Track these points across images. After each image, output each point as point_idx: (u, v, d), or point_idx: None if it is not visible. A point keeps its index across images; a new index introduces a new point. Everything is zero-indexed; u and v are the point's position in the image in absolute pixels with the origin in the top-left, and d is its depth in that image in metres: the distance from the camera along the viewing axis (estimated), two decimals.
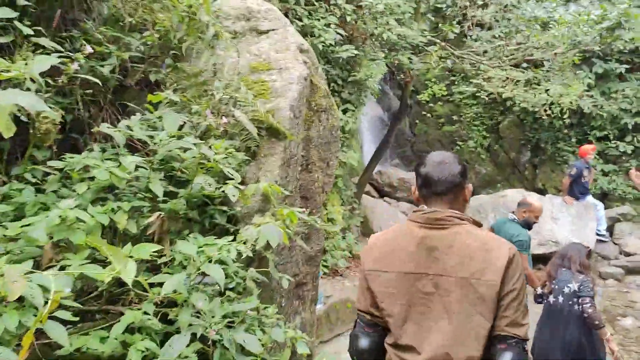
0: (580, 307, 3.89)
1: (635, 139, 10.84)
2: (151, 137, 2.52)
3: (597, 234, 9.12)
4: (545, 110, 10.80)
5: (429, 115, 13.68)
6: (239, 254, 2.39)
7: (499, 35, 11.83)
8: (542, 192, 11.32)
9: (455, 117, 13.32)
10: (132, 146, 2.78)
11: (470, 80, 12.37)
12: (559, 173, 11.86)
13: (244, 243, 2.43)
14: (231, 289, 2.49)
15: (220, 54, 3.24)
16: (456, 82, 13.46)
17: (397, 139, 14.32)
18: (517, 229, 4.58)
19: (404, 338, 1.81)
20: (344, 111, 6.28)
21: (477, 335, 1.72)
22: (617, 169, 11.12)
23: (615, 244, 9.56)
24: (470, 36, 12.69)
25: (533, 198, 4.87)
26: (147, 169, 2.51)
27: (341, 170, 6.21)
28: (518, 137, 12.56)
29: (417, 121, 13.89)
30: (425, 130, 13.77)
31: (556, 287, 4.08)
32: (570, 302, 3.94)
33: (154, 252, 2.03)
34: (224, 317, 2.28)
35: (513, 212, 4.73)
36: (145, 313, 2.10)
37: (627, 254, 9.06)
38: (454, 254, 1.76)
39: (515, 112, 12.34)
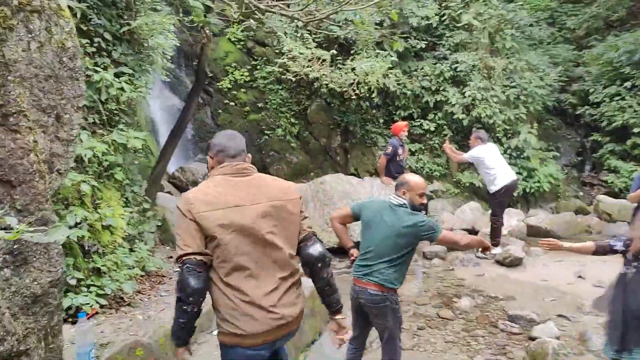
0: None
1: (436, 116, 10.77)
2: None
3: None
4: (354, 90, 10.11)
5: (232, 103, 12.21)
6: None
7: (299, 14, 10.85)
8: (355, 176, 10.67)
9: (260, 105, 12.07)
10: None
11: (275, 60, 11.22)
12: (370, 156, 11.36)
13: None
14: None
15: None
16: (258, 67, 12.24)
17: (200, 132, 12.58)
18: (412, 216, 3.44)
19: (239, 261, 2.16)
20: (117, 75, 4.45)
21: (295, 238, 2.36)
22: (423, 147, 10.97)
23: None
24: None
25: (409, 176, 3.70)
26: None
27: (120, 157, 4.36)
28: (327, 122, 11.78)
29: (219, 111, 12.32)
30: (230, 120, 12.26)
31: None
32: None
33: None
34: None
35: (397, 197, 3.56)
36: None
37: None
38: (263, 189, 2.30)
39: (322, 96, 11.52)
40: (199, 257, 2.10)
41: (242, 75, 12.22)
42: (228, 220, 2.13)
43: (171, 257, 5.26)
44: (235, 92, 12.19)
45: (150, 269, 4.49)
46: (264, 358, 2.23)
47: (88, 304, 3.62)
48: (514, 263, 7.23)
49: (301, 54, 10.23)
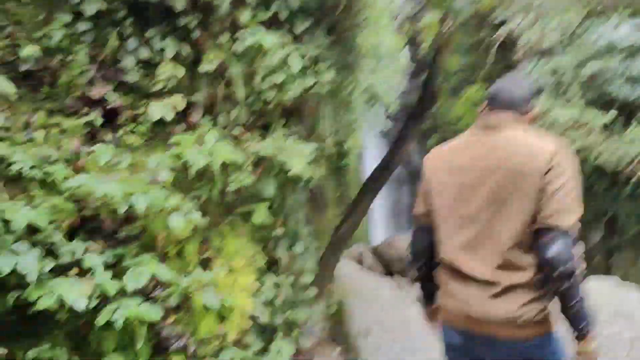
0: None
1: None
2: None
3: None
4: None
5: None
6: None
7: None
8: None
9: None
10: None
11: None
12: None
13: None
14: None
15: None
16: None
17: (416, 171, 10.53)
18: None
19: (445, 230, 1.79)
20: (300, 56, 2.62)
21: (520, 223, 1.63)
22: None
23: None
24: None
25: None
26: None
27: (269, 184, 2.45)
28: (586, 209, 8.65)
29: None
30: None
31: None
32: None
33: None
34: None
35: None
36: None
37: None
38: (501, 150, 1.69)
39: (582, 174, 8.52)
40: (422, 220, 1.91)
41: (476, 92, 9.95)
42: (447, 182, 1.79)
43: None
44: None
45: None
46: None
47: None
48: None
49: (560, 115, 7.58)
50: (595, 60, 7.79)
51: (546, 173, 1.60)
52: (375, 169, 3.67)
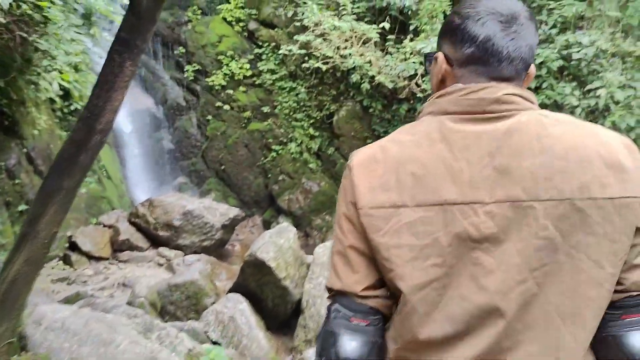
0: None
1: None
2: None
3: None
4: (419, 85, 6.39)
5: (226, 107, 8.44)
6: None
7: None
8: None
9: (266, 109, 8.30)
10: None
11: (288, 48, 7.47)
12: None
13: None
14: None
15: None
16: (264, 57, 8.47)
17: (181, 146, 8.75)
18: None
19: (434, 327, 0.81)
20: None
21: (595, 307, 0.79)
22: None
23: None
24: None
25: None
26: None
27: None
28: (362, 135, 7.95)
29: (209, 117, 8.53)
30: (223, 131, 8.47)
31: None
32: None
33: None
34: None
35: None
36: None
37: None
38: (533, 157, 0.79)
39: (356, 97, 7.76)
40: (357, 299, 0.88)
41: (241, 68, 8.45)
42: (424, 237, 0.80)
43: None
44: (231, 92, 8.41)
45: None
46: None
47: None
48: None
49: (337, 28, 6.51)
50: None
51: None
52: (63, 151, 1.86)
